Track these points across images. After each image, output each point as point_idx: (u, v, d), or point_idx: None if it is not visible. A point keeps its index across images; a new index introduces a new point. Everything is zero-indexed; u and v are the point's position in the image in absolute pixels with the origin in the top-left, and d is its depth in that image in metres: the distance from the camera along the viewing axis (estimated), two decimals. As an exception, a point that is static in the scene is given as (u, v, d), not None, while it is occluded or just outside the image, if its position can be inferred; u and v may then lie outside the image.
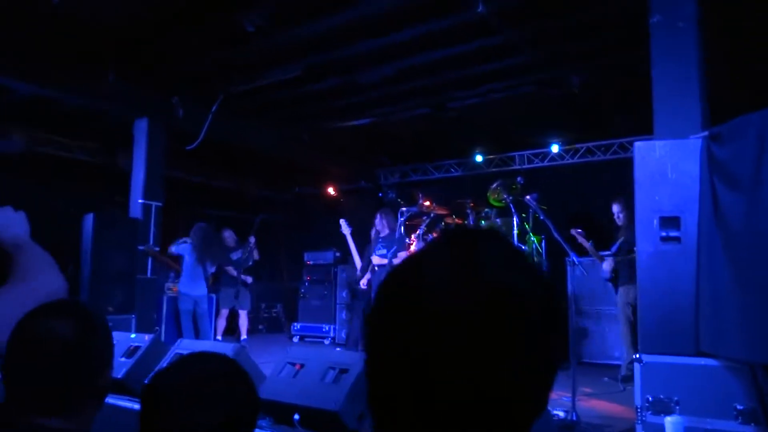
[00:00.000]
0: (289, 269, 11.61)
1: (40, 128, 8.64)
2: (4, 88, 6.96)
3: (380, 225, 7.09)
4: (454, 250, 0.66)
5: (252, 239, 8.13)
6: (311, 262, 10.21)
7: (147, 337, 4.83)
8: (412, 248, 7.14)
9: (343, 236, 7.49)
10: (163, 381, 1.31)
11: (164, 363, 4.51)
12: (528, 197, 5.14)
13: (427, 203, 7.44)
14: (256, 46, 6.37)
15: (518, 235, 7.02)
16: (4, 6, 5.57)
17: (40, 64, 6.66)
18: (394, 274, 0.68)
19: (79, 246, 6.84)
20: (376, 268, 6.89)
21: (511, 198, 6.71)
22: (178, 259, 7.51)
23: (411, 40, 6.19)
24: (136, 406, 3.79)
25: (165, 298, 7.98)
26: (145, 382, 1.39)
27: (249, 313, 8.19)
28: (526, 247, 6.93)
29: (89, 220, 6.67)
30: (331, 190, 11.35)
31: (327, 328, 9.67)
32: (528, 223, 7.08)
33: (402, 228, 7.02)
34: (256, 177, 11.57)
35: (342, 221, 7.45)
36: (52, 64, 6.72)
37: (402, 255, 6.80)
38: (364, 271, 7.19)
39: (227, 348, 4.63)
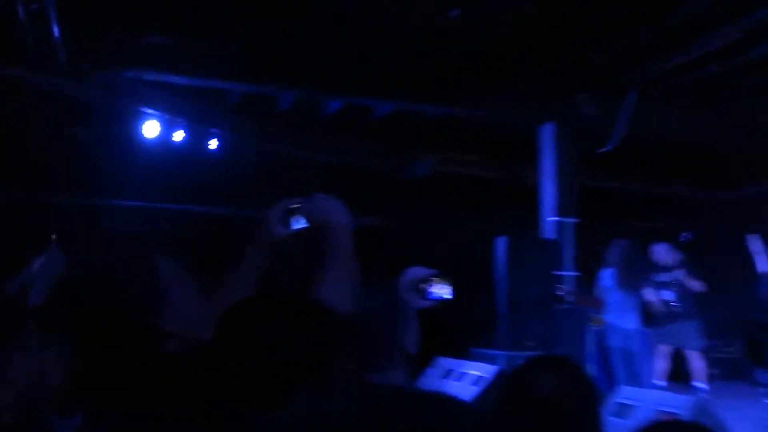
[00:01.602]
0: (746, 294, 10.51)
1: (443, 147, 9.80)
2: (415, 113, 8.12)
3: None
4: None
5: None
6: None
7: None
8: None
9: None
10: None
11: (605, 414, 4.50)
12: None
13: None
14: (676, 15, 6.04)
15: None
16: (412, 36, 6.51)
17: (442, 82, 7.55)
18: None
19: (487, 270, 7.40)
20: None
21: None
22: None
23: None
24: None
25: (589, 331, 8.04)
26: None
27: (701, 353, 7.57)
28: None
29: (502, 243, 7.17)
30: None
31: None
32: None
33: None
34: (686, 176, 10.92)
35: (751, 237, 7.10)
36: (453, 81, 7.55)
37: None
38: None
39: (682, 401, 4.37)
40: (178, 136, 7.85)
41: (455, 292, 2.34)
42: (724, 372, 9.92)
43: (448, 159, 9.92)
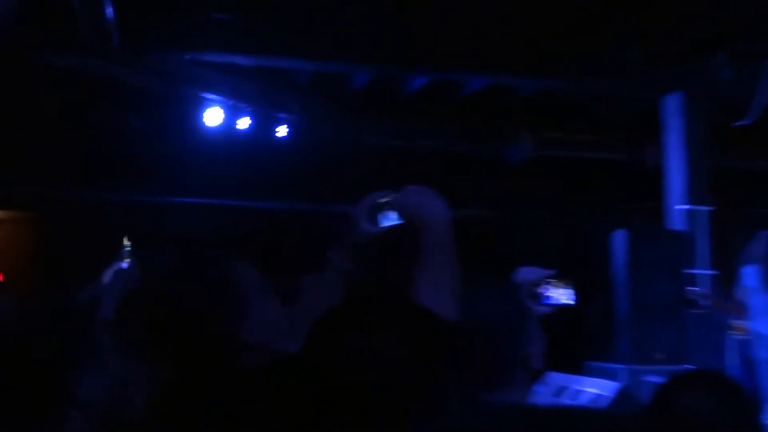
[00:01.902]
0: None
1: (545, 127, 9.65)
2: (511, 88, 8.00)
3: None
4: None
5: None
6: None
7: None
8: None
9: None
10: None
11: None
12: None
13: None
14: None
15: None
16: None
17: (542, 49, 7.42)
18: None
19: (602, 269, 7.26)
20: None
21: None
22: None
23: None
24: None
25: (728, 341, 7.80)
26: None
27: None
28: None
29: (621, 237, 7.05)
30: None
31: None
32: None
33: None
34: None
35: None
36: (555, 48, 7.41)
37: None
38: None
39: None
40: (243, 123, 8.02)
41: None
42: None
43: (552, 140, 9.77)
